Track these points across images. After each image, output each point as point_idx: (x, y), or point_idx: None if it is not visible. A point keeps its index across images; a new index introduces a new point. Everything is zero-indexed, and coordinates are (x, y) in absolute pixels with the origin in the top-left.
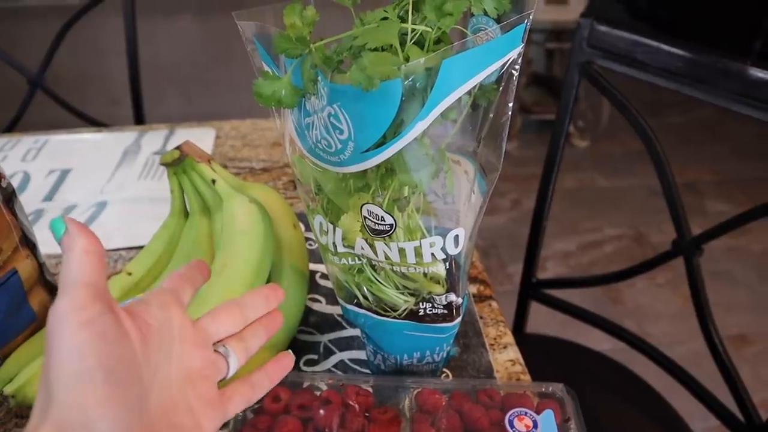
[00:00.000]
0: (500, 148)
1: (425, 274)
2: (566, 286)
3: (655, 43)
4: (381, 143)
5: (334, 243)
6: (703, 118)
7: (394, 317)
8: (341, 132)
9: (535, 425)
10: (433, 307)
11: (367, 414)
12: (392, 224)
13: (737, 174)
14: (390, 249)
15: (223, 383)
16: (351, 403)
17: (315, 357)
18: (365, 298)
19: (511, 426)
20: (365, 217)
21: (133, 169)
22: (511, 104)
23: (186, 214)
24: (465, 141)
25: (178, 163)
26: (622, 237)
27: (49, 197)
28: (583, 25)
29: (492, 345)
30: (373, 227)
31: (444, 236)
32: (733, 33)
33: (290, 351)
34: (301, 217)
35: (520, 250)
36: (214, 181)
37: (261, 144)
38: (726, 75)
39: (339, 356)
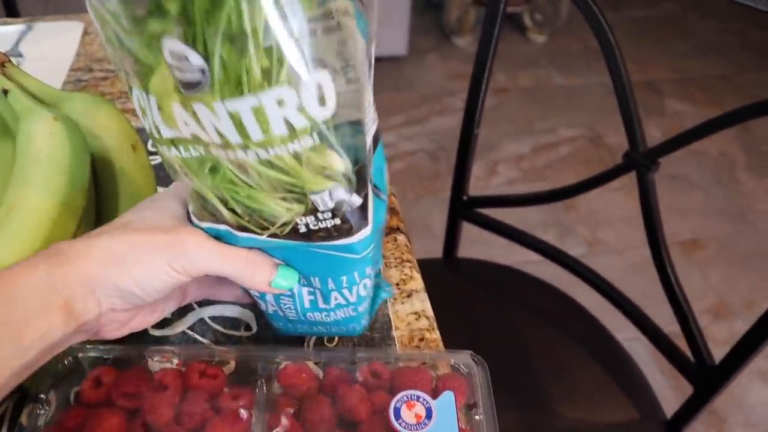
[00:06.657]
0: None
1: (301, 162)
2: (501, 205)
3: None
4: None
5: (155, 124)
6: (665, 13)
7: (271, 236)
8: None
9: (429, 414)
10: (317, 220)
11: (214, 401)
12: (203, 68)
13: (698, 72)
14: (217, 117)
15: None
16: (193, 387)
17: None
18: (232, 210)
19: (397, 416)
20: (170, 65)
21: None
22: None
23: None
24: None
25: None
26: (578, 138)
27: None
28: None
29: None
30: (181, 77)
31: (297, 87)
32: None
33: None
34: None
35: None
36: (6, 92)
37: None
38: None
39: (198, 313)
